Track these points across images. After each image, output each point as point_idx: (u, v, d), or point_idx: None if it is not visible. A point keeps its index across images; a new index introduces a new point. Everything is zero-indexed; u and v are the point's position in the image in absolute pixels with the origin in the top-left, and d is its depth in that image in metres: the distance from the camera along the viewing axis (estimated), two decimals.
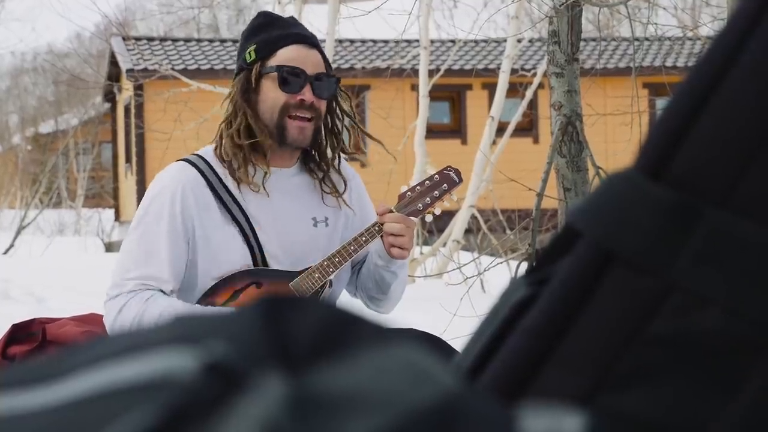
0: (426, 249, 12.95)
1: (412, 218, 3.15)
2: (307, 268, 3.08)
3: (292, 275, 3.08)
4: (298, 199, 3.14)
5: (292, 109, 3.03)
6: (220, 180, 3.06)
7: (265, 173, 3.08)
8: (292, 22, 3.17)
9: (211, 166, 3.07)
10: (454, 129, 22.04)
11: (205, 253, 3.02)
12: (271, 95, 3.04)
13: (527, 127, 21.12)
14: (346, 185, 3.20)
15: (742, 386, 0.57)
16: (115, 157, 25.67)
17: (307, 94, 3.03)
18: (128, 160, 23.19)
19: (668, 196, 0.61)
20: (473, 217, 12.01)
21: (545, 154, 5.62)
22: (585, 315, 0.61)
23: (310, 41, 3.09)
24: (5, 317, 4.77)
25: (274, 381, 0.47)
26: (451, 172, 3.29)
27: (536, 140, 21.59)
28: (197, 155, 3.11)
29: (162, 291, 2.98)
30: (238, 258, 3.03)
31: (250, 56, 3.06)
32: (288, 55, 3.04)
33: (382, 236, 3.08)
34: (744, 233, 0.59)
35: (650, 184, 0.61)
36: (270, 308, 0.50)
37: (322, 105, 3.08)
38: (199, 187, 3.04)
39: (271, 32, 3.08)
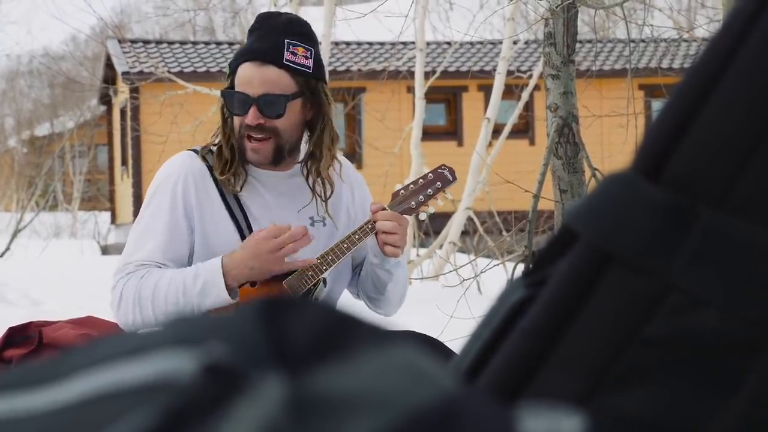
0: (422, 251, 12.95)
1: (405, 216, 3.15)
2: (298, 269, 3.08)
3: (285, 274, 3.08)
4: (296, 199, 3.15)
5: (246, 129, 3.04)
6: None
7: (246, 177, 3.10)
8: (267, 29, 3.09)
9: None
10: (450, 131, 22.05)
11: (201, 246, 3.04)
12: (234, 117, 3.07)
13: (523, 129, 21.13)
14: (332, 192, 3.18)
15: (739, 386, 0.57)
16: (111, 159, 25.66)
17: (250, 117, 3.02)
18: (124, 162, 23.18)
19: (664, 197, 0.61)
20: (469, 219, 11.99)
21: (541, 155, 5.62)
22: (582, 316, 0.61)
23: (264, 56, 3.03)
24: (1, 320, 4.77)
25: (272, 382, 0.48)
26: (445, 171, 3.29)
27: (532, 142, 21.60)
28: (205, 147, 3.13)
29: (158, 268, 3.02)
30: (232, 251, 3.04)
31: (227, 72, 3.08)
32: (240, 75, 3.04)
33: (376, 234, 3.09)
34: (739, 234, 0.59)
35: (647, 186, 0.62)
36: (268, 310, 0.51)
37: (278, 123, 3.04)
38: (203, 177, 3.07)
39: (242, 46, 3.09)
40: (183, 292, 2.96)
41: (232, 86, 3.06)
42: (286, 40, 3.05)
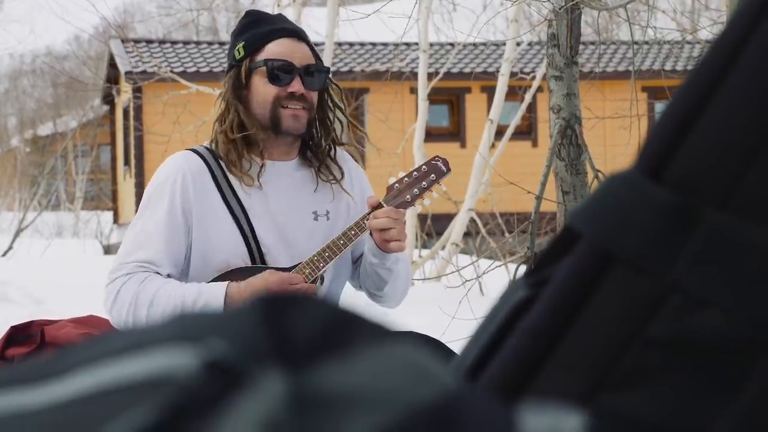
0: (425, 252, 12.95)
1: (399, 210, 3.13)
2: (296, 264, 3.07)
3: (282, 271, 3.07)
4: (299, 193, 3.14)
5: (284, 100, 3.07)
6: (223, 172, 3.09)
7: (261, 167, 3.10)
8: (280, 18, 3.23)
9: (216, 158, 3.10)
10: (453, 132, 22.05)
11: (200, 242, 3.03)
12: (262, 89, 3.09)
13: (526, 131, 21.13)
14: (343, 174, 3.20)
15: (742, 387, 0.57)
16: (113, 159, 25.68)
17: (296, 86, 3.08)
18: (127, 162, 23.19)
19: (668, 197, 0.61)
20: (472, 220, 12.00)
21: (544, 157, 5.62)
22: (585, 316, 0.61)
23: (298, 35, 3.13)
24: (4, 319, 4.77)
25: (274, 379, 0.47)
26: (438, 162, 3.28)
27: (535, 143, 21.60)
28: (204, 146, 3.15)
29: (158, 274, 3.00)
30: (233, 250, 3.04)
31: (239, 53, 3.12)
32: (276, 49, 3.09)
33: (371, 233, 3.07)
34: (743, 235, 0.59)
35: (650, 186, 0.61)
36: (270, 306, 0.50)
37: (314, 96, 3.12)
38: (201, 175, 3.07)
39: (259, 28, 3.13)
40: (181, 308, 2.95)
41: (251, 64, 3.10)
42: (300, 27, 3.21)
